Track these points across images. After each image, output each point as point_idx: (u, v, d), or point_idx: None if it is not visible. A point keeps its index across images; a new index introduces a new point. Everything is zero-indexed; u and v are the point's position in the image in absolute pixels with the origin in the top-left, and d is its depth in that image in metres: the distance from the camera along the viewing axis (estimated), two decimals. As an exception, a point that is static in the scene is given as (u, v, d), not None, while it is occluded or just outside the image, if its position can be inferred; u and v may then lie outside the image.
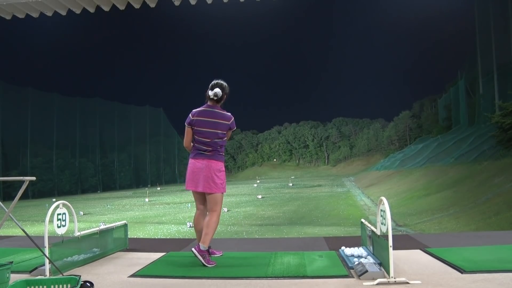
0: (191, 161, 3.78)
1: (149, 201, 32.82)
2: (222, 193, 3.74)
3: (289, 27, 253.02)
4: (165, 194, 42.75)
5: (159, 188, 57.83)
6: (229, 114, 3.77)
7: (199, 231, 3.78)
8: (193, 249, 3.54)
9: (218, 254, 3.85)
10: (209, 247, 3.60)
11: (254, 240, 6.52)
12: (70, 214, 3.37)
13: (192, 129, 3.74)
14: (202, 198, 3.82)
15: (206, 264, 3.43)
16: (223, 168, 3.79)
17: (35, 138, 53.56)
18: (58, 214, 3.22)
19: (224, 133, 3.74)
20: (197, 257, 3.47)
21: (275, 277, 3.02)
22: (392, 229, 2.93)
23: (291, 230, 14.76)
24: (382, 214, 2.97)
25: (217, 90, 3.71)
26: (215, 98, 3.72)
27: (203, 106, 3.79)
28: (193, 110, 3.78)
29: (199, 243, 3.56)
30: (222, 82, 3.82)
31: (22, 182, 2.77)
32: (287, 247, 4.31)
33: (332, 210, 21.05)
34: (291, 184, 48.69)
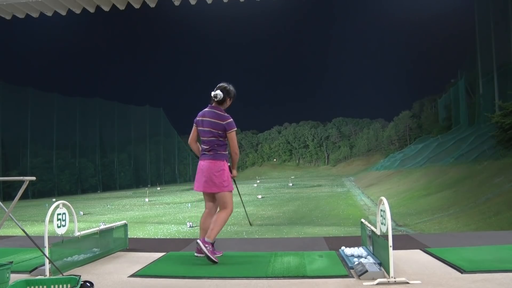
0: (199, 162, 3.94)
1: (149, 201, 32.76)
2: (230, 191, 3.82)
3: (289, 27, 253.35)
4: (165, 194, 42.72)
5: (159, 188, 57.79)
6: (227, 115, 3.84)
7: (204, 229, 3.84)
8: (198, 240, 3.60)
9: (218, 254, 3.85)
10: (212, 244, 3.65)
11: (254, 240, 6.51)
12: (70, 214, 3.37)
13: (197, 128, 3.90)
14: (210, 197, 3.94)
15: (210, 255, 3.46)
16: (224, 167, 3.82)
17: (35, 138, 53.46)
18: (58, 214, 3.22)
19: (220, 133, 3.79)
20: (201, 248, 3.50)
21: (275, 277, 3.02)
22: (392, 229, 2.92)
23: (291, 230, 14.77)
24: (382, 214, 2.97)
25: (218, 91, 3.83)
26: (215, 99, 3.84)
27: (207, 107, 3.93)
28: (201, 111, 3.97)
29: (205, 237, 3.63)
30: (227, 86, 3.92)
31: (22, 182, 2.76)
32: (287, 247, 4.31)
33: (332, 210, 21.07)
34: (291, 184, 48.66)
